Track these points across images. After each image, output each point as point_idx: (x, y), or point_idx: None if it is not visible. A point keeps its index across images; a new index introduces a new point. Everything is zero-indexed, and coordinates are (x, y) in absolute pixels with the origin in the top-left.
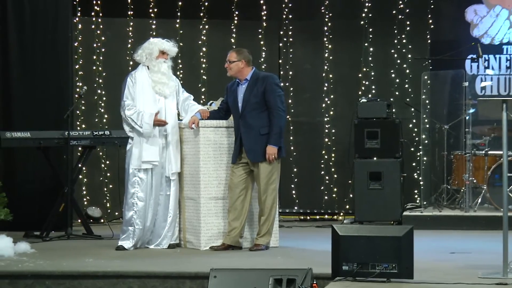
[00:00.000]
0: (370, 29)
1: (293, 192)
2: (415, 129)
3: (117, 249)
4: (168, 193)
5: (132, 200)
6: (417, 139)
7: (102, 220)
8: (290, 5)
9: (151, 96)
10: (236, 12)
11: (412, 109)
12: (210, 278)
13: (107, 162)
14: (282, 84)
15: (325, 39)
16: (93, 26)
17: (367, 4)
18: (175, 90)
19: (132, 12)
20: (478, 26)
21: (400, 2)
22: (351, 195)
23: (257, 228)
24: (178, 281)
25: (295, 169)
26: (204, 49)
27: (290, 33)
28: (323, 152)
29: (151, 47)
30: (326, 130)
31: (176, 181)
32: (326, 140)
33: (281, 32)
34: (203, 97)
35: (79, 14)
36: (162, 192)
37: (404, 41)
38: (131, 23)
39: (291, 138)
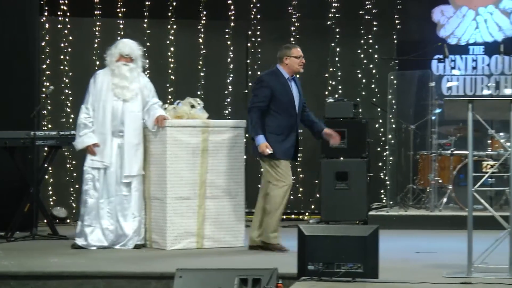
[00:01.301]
0: (337, 29)
1: None
2: (382, 129)
3: (72, 246)
4: (127, 193)
5: (84, 197)
6: (383, 139)
7: (68, 220)
8: (258, 5)
9: (109, 98)
10: (204, 12)
11: (379, 109)
12: (176, 278)
13: (73, 162)
14: (250, 84)
15: (292, 39)
16: (60, 26)
17: (334, 5)
18: (140, 93)
19: (99, 12)
20: (445, 26)
21: (367, 2)
22: (317, 195)
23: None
24: (143, 281)
25: (261, 169)
26: (172, 49)
27: (258, 33)
28: None
29: (113, 50)
30: None
31: (138, 182)
32: None
33: (249, 32)
34: (170, 97)
35: (46, 14)
36: (119, 193)
37: (371, 41)
38: (99, 23)
39: None
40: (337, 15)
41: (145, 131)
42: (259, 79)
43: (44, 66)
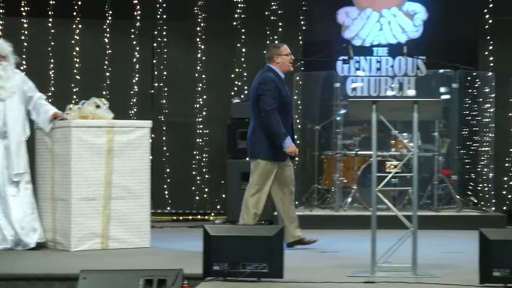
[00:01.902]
0: (243, 30)
1: (166, 192)
2: None
3: None
4: (15, 194)
5: None
6: None
7: None
8: (164, 5)
9: None
10: (110, 12)
11: None
12: (80, 279)
13: None
14: (156, 84)
15: (198, 39)
16: None
17: (240, 5)
18: (18, 91)
19: (2, 11)
20: (349, 28)
21: (273, 3)
22: (223, 195)
23: None
24: (46, 283)
25: (167, 169)
26: (77, 48)
27: (164, 33)
28: (196, 152)
29: None
30: (199, 130)
31: (26, 181)
32: (199, 140)
33: (155, 32)
34: (75, 96)
35: None
36: (9, 194)
37: (276, 42)
38: (1, 22)
39: (164, 138)
40: (242, 16)
41: (42, 131)
42: (266, 80)
43: None
